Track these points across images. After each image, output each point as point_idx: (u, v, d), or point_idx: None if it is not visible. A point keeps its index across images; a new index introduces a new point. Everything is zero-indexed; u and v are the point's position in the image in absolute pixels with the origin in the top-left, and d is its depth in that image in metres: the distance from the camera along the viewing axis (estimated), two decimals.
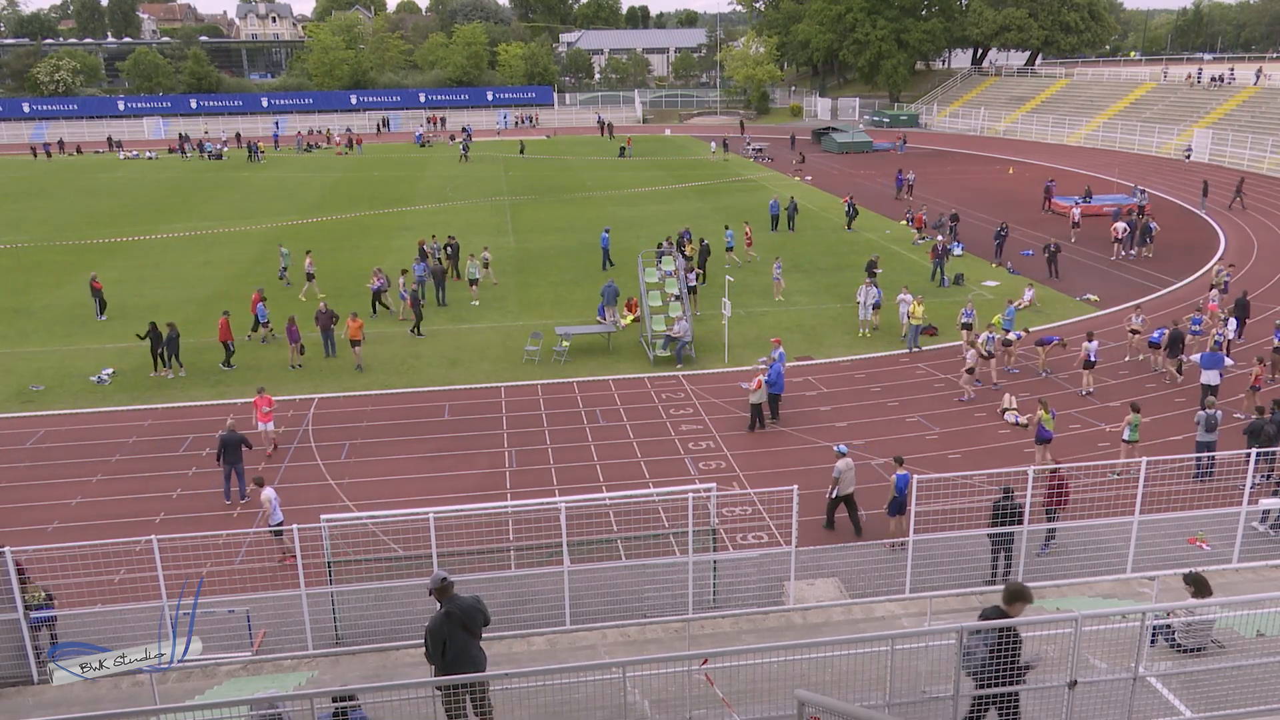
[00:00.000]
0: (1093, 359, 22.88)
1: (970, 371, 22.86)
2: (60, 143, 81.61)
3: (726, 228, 38.24)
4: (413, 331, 28.69)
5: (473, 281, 32.72)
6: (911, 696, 10.12)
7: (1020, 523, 14.52)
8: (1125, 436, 18.53)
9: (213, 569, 15.31)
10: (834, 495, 16.86)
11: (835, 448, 17.48)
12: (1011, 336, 24.60)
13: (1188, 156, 62.20)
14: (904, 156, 69.92)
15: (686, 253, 34.14)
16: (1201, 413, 18.48)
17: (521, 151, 74.13)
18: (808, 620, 14.02)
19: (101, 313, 30.95)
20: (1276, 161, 56.56)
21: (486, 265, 34.35)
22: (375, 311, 30.56)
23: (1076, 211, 40.78)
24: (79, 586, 15.18)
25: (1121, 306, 30.07)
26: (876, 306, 27.96)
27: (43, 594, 13.30)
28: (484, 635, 10.63)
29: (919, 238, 40.34)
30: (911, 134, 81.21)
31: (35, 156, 76.00)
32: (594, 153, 75.67)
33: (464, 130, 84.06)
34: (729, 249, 36.88)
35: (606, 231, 37.13)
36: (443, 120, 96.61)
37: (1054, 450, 18.80)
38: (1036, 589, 14.61)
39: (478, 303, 31.92)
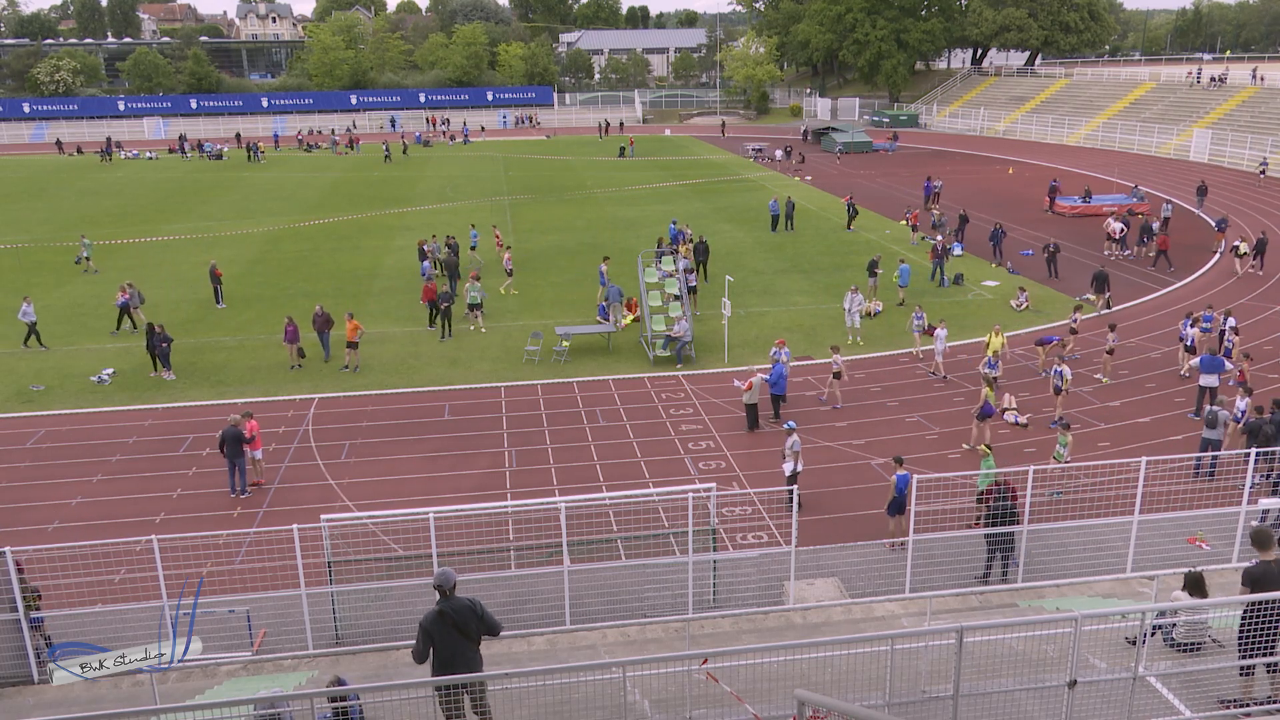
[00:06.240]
0: (1190, 344, 23.81)
1: (838, 377, 22.56)
2: (70, 144, 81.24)
3: (473, 226, 38.89)
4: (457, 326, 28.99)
5: (473, 306, 29.13)
6: (911, 696, 10.14)
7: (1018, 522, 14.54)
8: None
9: (213, 569, 15.32)
10: (799, 469, 17.29)
11: (785, 424, 18.31)
12: (932, 340, 24.57)
13: (1263, 172, 54.16)
14: (897, 155, 69.95)
15: (682, 253, 34.18)
16: (1205, 408, 18.47)
17: (404, 152, 74.71)
18: (807, 620, 14.01)
19: (219, 300, 31.04)
20: (1276, 161, 56.54)
21: (509, 274, 33.79)
22: (119, 328, 29.01)
23: (1118, 226, 36.99)
24: (79, 586, 15.21)
25: (1121, 306, 30.08)
26: (872, 315, 27.91)
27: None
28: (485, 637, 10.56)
29: (918, 238, 40.21)
30: (912, 134, 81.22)
31: (102, 160, 73.16)
32: (595, 153, 75.70)
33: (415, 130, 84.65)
34: (473, 248, 37.07)
35: (674, 223, 38.74)
36: (446, 120, 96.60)
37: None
38: (1036, 589, 14.65)
39: (484, 330, 28.90)
